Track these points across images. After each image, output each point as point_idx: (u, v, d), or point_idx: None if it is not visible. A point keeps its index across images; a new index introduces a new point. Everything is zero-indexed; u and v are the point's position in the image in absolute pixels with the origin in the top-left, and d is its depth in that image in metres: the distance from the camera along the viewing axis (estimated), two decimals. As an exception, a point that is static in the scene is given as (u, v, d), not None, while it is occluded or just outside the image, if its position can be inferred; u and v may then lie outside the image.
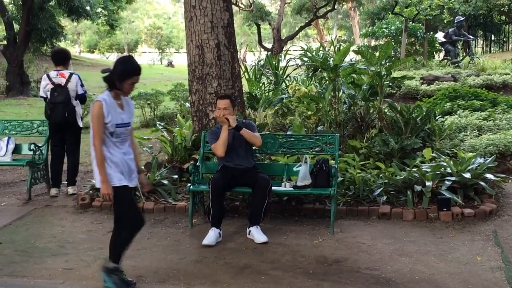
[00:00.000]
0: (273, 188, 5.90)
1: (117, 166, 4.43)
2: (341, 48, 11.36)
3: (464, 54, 20.05)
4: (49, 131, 7.63)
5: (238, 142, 5.99)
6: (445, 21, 22.57)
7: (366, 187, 6.65)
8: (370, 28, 23.42)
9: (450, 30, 19.68)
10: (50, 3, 23.62)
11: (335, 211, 6.03)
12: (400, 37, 18.68)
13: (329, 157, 6.62)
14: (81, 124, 7.68)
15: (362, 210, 6.39)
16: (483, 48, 32.55)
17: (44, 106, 7.64)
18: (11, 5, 25.22)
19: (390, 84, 8.87)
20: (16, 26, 23.03)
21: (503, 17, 29.57)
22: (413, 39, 19.82)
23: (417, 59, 17.99)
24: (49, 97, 7.39)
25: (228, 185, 5.90)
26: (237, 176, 5.92)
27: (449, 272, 4.77)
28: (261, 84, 11.37)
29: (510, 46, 33.02)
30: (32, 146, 7.52)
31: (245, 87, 9.95)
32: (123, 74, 4.42)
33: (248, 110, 9.36)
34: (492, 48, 32.66)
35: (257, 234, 5.65)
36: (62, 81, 7.39)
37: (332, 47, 16.20)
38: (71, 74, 7.48)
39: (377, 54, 8.31)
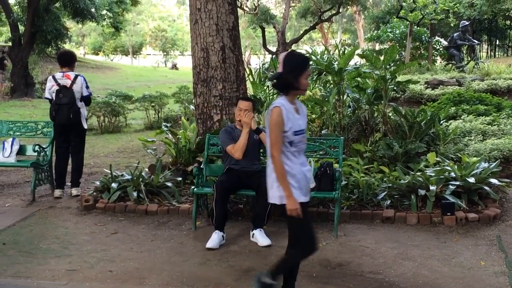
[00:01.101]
0: (277, 191, 5.88)
1: (295, 180, 3.95)
2: (346, 51, 11.38)
3: (469, 59, 20.02)
4: (53, 133, 7.65)
5: (252, 145, 6.00)
6: (450, 26, 22.52)
7: (370, 191, 6.64)
8: (375, 32, 23.41)
9: (455, 34, 19.65)
10: (55, 5, 23.71)
11: (339, 215, 6.03)
12: (404, 41, 18.66)
13: (333, 160, 6.62)
14: (85, 126, 7.69)
15: (365, 214, 6.38)
16: (487, 52, 32.51)
17: (49, 107, 7.66)
18: (16, 7, 25.31)
19: (395, 88, 8.85)
20: (21, 28, 23.12)
21: (508, 22, 29.54)
22: (418, 43, 19.79)
23: (422, 63, 17.97)
24: (54, 98, 7.41)
25: (233, 188, 5.91)
26: (243, 179, 5.92)
27: (452, 277, 4.76)
28: (265, 87, 11.38)
29: (515, 51, 32.96)
30: (37, 148, 7.53)
31: (250, 90, 9.95)
32: (298, 68, 3.95)
33: (252, 113, 9.36)
34: (496, 53, 32.63)
35: (260, 237, 5.65)
36: (68, 82, 7.41)
37: (336, 51, 16.24)
38: (76, 76, 7.50)
39: (382, 58, 8.30)
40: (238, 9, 8.52)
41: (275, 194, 4.01)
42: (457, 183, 6.46)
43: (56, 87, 7.41)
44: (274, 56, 26.30)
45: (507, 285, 4.56)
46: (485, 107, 10.46)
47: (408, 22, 18.64)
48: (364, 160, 7.49)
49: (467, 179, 6.46)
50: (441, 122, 8.67)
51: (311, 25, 33.25)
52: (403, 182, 6.58)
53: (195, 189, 6.14)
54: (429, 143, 8.05)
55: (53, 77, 7.53)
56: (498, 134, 8.87)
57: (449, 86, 14.07)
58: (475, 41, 20.68)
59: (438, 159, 7.27)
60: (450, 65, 17.77)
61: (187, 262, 5.22)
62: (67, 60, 7.65)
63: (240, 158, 5.91)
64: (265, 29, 32.78)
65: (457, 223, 6.07)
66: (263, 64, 14.95)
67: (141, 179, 7.09)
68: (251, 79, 11.15)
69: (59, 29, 23.26)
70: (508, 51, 32.85)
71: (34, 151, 7.55)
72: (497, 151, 7.89)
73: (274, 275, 4.07)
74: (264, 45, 33.30)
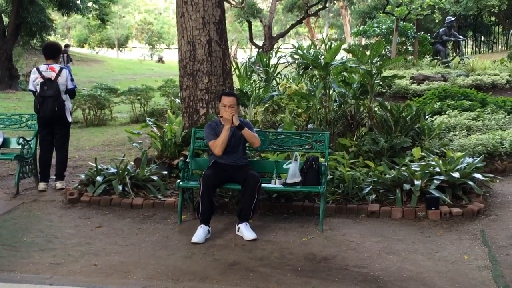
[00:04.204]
0: (262, 185, 5.90)
1: None
2: (332, 46, 11.38)
3: (454, 54, 20.15)
4: (38, 125, 7.58)
5: (237, 140, 6.02)
6: (436, 21, 22.64)
7: (356, 185, 6.66)
8: (361, 27, 23.46)
9: (441, 30, 19.77)
10: (40, -3, 23.51)
11: (324, 209, 6.04)
12: (391, 37, 18.72)
13: (319, 155, 6.63)
14: (70, 119, 7.64)
15: (351, 208, 6.40)
16: (473, 48, 32.76)
17: (33, 100, 7.59)
18: (0, -2, 25.07)
19: (381, 83, 8.88)
20: (5, 19, 22.89)
21: (493, 18, 29.73)
22: (404, 39, 19.87)
23: (408, 58, 18.05)
24: (38, 91, 7.34)
25: (219, 182, 5.90)
26: (229, 173, 5.92)
27: (436, 271, 4.80)
28: (252, 81, 11.36)
29: (499, 47, 33.29)
30: (21, 140, 7.46)
31: (236, 84, 9.94)
32: None
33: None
34: (481, 49, 32.90)
35: (246, 231, 5.65)
36: (52, 75, 7.35)
37: (323, 45, 16.24)
38: (61, 68, 7.44)
39: (368, 53, 8.32)
40: (224, 2, 8.50)
41: None
42: (442, 178, 6.50)
43: (40, 80, 7.33)
44: (260, 50, 26.27)
45: (490, 279, 4.60)
46: (470, 102, 10.52)
47: (394, 18, 18.69)
48: (350, 155, 7.51)
49: (451, 174, 6.50)
50: (426, 117, 8.71)
51: (298, 19, 33.30)
52: (388, 177, 6.61)
53: (180, 183, 6.12)
54: (414, 138, 8.09)
55: (38, 69, 7.45)
56: (482, 129, 8.94)
57: (434, 82, 14.15)
58: (460, 37, 20.83)
59: (423, 154, 7.31)
60: (436, 60, 17.86)
61: (172, 256, 5.20)
62: (53, 52, 7.58)
63: (220, 154, 5.91)
64: (252, 23, 32.76)
65: (441, 217, 6.11)
66: (249, 58, 14.90)
67: (126, 173, 7.06)
68: (238, 73, 11.13)
69: (44, 21, 23.08)
70: (493, 47, 33.15)
71: (18, 143, 7.48)
72: (481, 146, 7.96)
73: None
74: (251, 39, 33.29)
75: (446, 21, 19.83)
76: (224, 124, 5.95)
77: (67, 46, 28.89)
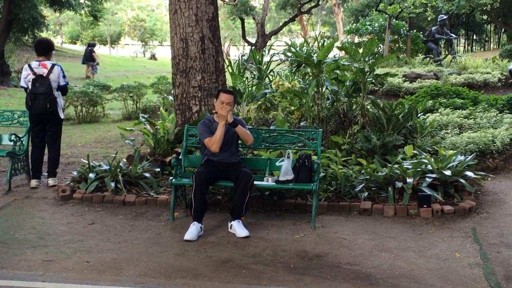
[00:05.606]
0: (255, 182, 5.91)
1: None
2: (325, 44, 11.39)
3: (446, 53, 20.19)
4: (30, 122, 7.55)
5: (230, 137, 6.03)
6: (428, 19, 22.70)
7: (348, 183, 6.68)
8: (354, 24, 23.45)
9: (433, 28, 19.81)
10: (33, -7, 23.35)
11: (317, 206, 6.05)
12: (383, 35, 18.73)
13: (311, 152, 6.65)
14: (62, 116, 7.61)
15: (343, 205, 6.42)
16: (465, 47, 32.89)
17: (25, 96, 7.55)
18: (-8, -6, 24.89)
19: (373, 81, 8.90)
20: (-3, 15, 22.72)
21: (485, 17, 29.84)
22: (396, 37, 19.90)
23: (400, 56, 18.09)
24: (30, 87, 7.31)
25: (212, 179, 5.91)
26: (222, 170, 5.93)
27: (428, 268, 4.82)
28: (244, 79, 11.35)
29: (491, 45, 33.42)
30: (13, 137, 7.43)
31: (229, 81, 9.93)
32: None
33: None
34: (474, 47, 33.02)
35: (238, 228, 5.66)
36: (44, 71, 7.32)
37: (316, 43, 16.24)
38: (53, 65, 7.41)
39: (360, 50, 8.33)
40: (217, -1, 8.50)
41: None
42: (434, 175, 6.53)
43: (32, 76, 7.30)
44: (253, 47, 26.25)
45: (481, 277, 4.63)
46: (462, 100, 10.57)
47: (387, 16, 18.70)
48: (342, 152, 7.53)
49: (443, 172, 6.53)
50: (419, 115, 8.74)
51: (291, 17, 33.30)
52: (380, 175, 6.63)
53: (173, 180, 6.12)
54: (406, 136, 8.12)
55: (29, 66, 7.42)
56: (474, 127, 8.98)
57: (426, 80, 14.19)
58: (452, 35, 20.87)
59: (415, 151, 7.34)
60: (428, 58, 17.91)
61: (165, 253, 5.21)
62: (44, 49, 7.54)
63: (217, 151, 5.92)
64: (245, 21, 32.72)
65: (433, 215, 6.14)
66: (242, 56, 14.88)
67: (119, 170, 7.05)
68: (230, 70, 11.12)
69: (36, 17, 22.91)
70: (485, 46, 33.27)
71: (10, 140, 7.45)
72: (473, 145, 8.00)
73: None
74: (244, 36, 33.24)
75: (438, 19, 19.87)
76: (218, 121, 5.96)
77: (92, 45, 28.57)
